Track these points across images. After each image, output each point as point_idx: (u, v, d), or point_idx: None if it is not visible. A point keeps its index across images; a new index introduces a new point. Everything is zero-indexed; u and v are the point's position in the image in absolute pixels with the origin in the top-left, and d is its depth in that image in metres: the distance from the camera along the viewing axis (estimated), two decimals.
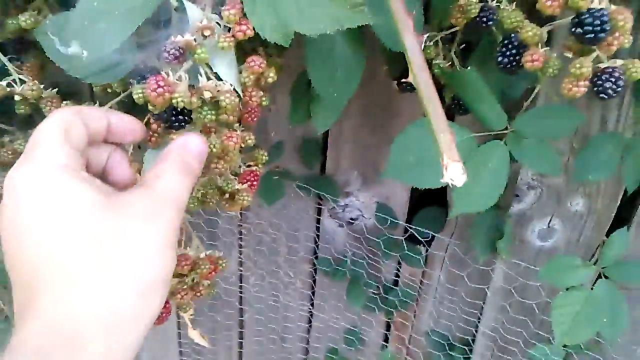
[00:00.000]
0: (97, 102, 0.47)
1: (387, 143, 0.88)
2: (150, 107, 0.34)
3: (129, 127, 0.33)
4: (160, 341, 1.24)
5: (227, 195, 0.49)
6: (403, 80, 0.56)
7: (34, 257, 0.25)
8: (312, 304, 1.03)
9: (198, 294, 0.50)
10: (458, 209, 0.53)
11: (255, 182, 0.49)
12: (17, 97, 0.40)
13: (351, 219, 0.93)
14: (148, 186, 0.29)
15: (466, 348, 0.92)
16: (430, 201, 0.93)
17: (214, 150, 0.38)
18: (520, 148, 0.55)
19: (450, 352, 0.92)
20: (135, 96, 0.33)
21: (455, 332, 0.93)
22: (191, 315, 1.00)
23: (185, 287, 0.50)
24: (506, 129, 0.56)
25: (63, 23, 0.36)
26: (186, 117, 0.37)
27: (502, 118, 0.55)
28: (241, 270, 1.04)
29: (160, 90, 0.31)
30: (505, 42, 0.47)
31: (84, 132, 0.30)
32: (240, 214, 0.99)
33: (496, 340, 0.89)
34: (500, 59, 0.47)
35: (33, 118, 0.47)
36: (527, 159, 0.55)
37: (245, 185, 0.48)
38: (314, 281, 1.01)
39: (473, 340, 0.93)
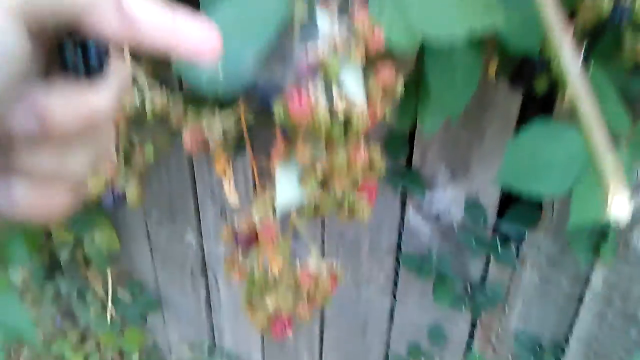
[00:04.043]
0: None
1: (479, 137, 0.85)
2: (281, 121, 0.33)
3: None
4: (243, 323, 1.27)
5: (345, 210, 0.47)
6: (516, 79, 0.54)
7: None
8: (394, 298, 1.02)
9: (316, 305, 0.50)
10: (576, 220, 0.50)
11: (374, 195, 0.47)
12: None
13: (437, 214, 0.91)
14: None
15: (559, 351, 0.88)
16: (523, 196, 0.89)
17: (340, 162, 0.37)
18: None
19: (541, 356, 0.89)
20: (275, 110, 0.32)
21: (546, 335, 0.90)
22: None
23: (303, 301, 0.50)
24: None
25: None
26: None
27: (625, 120, 0.51)
28: None
29: (304, 106, 0.30)
30: None
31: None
32: None
33: (592, 347, 0.85)
34: None
35: None
36: None
37: (364, 198, 0.46)
38: (397, 275, 1.00)
39: (566, 344, 0.89)
